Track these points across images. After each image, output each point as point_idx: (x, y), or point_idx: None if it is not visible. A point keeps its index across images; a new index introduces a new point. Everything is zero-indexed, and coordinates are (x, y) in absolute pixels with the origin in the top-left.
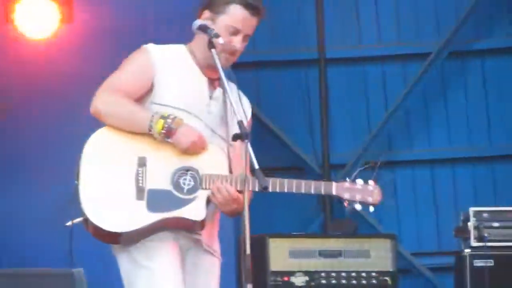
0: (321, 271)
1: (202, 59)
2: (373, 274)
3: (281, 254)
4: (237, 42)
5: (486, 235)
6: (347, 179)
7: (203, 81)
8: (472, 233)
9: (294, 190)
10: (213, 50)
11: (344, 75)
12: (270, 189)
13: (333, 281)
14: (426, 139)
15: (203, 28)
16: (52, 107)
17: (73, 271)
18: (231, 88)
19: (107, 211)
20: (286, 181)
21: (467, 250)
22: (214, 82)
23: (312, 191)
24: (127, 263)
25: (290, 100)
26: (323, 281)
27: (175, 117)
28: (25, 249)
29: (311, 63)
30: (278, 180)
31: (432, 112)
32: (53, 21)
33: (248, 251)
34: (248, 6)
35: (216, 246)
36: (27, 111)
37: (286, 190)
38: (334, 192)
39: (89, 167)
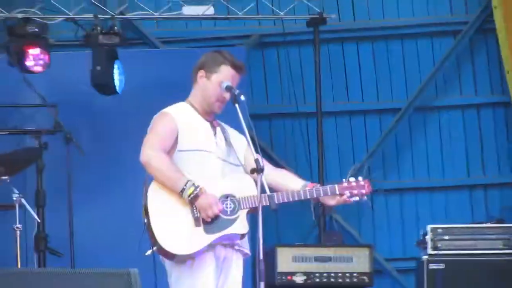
0: (316, 272)
1: (201, 109)
2: (355, 274)
3: (286, 259)
4: (226, 96)
5: (439, 245)
6: (343, 179)
7: (207, 125)
8: (429, 244)
9: (301, 198)
10: (236, 105)
11: (335, 125)
12: (285, 200)
13: (325, 280)
14: (396, 173)
15: (229, 89)
16: (117, 145)
17: (129, 270)
18: (226, 127)
19: (174, 239)
20: (297, 192)
21: (425, 257)
22: (212, 123)
23: (322, 194)
24: (175, 276)
25: (295, 142)
26: (317, 280)
27: (201, 188)
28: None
29: (310, 115)
30: (290, 192)
31: (401, 153)
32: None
33: (261, 257)
34: (235, 66)
35: (246, 245)
36: (98, 146)
37: (297, 199)
38: (338, 192)
39: (154, 206)
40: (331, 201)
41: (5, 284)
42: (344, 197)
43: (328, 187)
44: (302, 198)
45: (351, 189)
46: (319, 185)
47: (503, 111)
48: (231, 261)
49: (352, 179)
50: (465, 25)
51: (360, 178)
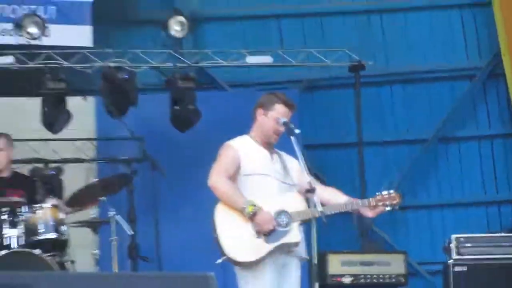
0: (361, 274)
1: (260, 140)
2: (393, 276)
3: (335, 263)
4: (281, 129)
5: (462, 251)
6: (377, 193)
7: (265, 153)
8: (453, 250)
9: (345, 209)
10: (292, 137)
11: (372, 153)
12: (333, 212)
13: (368, 281)
14: (425, 192)
15: (286, 124)
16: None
17: (207, 274)
18: (283, 154)
19: (239, 249)
20: (342, 204)
21: (450, 261)
22: (270, 150)
23: (361, 205)
24: (243, 281)
25: (341, 168)
26: (362, 281)
27: (259, 207)
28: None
29: (352, 144)
30: (337, 205)
31: (428, 176)
32: None
33: (315, 261)
34: (287, 104)
35: (302, 251)
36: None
37: (343, 210)
38: (374, 203)
39: (220, 223)
40: (369, 213)
41: (105, 285)
42: (379, 207)
43: (366, 200)
44: (346, 209)
45: (384, 200)
46: (359, 200)
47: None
48: (290, 266)
49: (384, 192)
50: (479, 70)
51: (391, 191)
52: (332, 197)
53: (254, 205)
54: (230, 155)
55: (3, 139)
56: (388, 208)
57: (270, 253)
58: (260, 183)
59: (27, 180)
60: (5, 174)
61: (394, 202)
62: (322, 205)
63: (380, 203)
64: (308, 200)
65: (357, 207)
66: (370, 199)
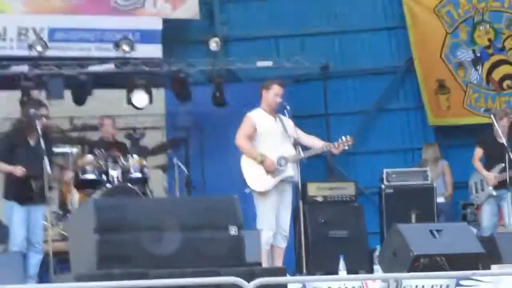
0: (328, 195)
1: (267, 109)
2: (348, 196)
3: (312, 188)
4: (279, 98)
5: (390, 180)
6: (339, 139)
7: (271, 118)
8: (385, 179)
9: (322, 150)
10: (285, 110)
11: (335, 121)
12: (313, 154)
13: (333, 199)
14: (369, 142)
15: (281, 102)
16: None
17: (232, 196)
18: (282, 117)
19: (256, 182)
20: (318, 147)
21: (383, 186)
22: (273, 115)
23: (331, 147)
24: (257, 202)
25: (315, 127)
26: (329, 199)
27: (265, 156)
28: None
29: (322, 115)
30: (314, 148)
31: (370, 133)
32: None
33: (299, 188)
34: (280, 84)
35: (296, 178)
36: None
37: (319, 152)
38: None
39: (244, 167)
40: (336, 151)
41: (171, 203)
42: (341, 147)
43: (333, 143)
44: (322, 150)
45: (343, 142)
46: (329, 143)
47: (420, 112)
48: (286, 191)
49: (343, 137)
50: (400, 68)
51: (348, 136)
52: (313, 142)
53: (262, 155)
54: (248, 123)
55: (110, 121)
56: (346, 147)
57: (275, 184)
58: (269, 137)
59: (125, 145)
60: (110, 139)
61: (350, 143)
62: (307, 148)
63: (342, 145)
64: (296, 148)
65: (329, 148)
66: (335, 142)
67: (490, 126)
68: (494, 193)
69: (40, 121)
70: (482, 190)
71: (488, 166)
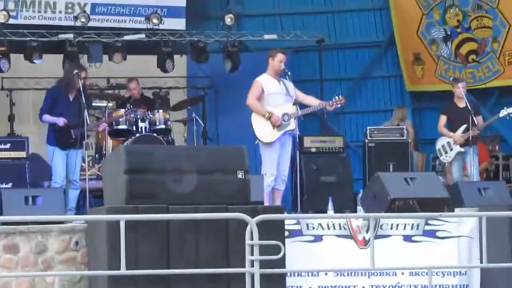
0: (321, 147)
1: (272, 74)
2: (337, 148)
3: (308, 141)
4: (283, 64)
5: (372, 135)
6: (333, 98)
7: (275, 81)
8: (368, 134)
9: (318, 108)
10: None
11: (329, 86)
12: (309, 111)
13: (324, 150)
14: (355, 103)
15: (284, 69)
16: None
17: (242, 146)
18: (285, 80)
19: (263, 133)
20: (315, 105)
21: (366, 140)
22: (278, 79)
23: (325, 104)
24: (263, 151)
25: (311, 90)
26: (321, 150)
27: (271, 112)
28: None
29: (317, 80)
30: (312, 106)
31: (357, 96)
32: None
33: (297, 139)
34: (282, 52)
35: (296, 131)
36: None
37: (304, 113)
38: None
39: (254, 122)
40: (330, 108)
41: (189, 150)
42: (335, 105)
43: (328, 102)
44: (318, 108)
45: (336, 101)
46: (324, 102)
47: (399, 80)
48: (287, 142)
49: (336, 97)
50: (383, 42)
51: (340, 96)
52: (310, 101)
53: (269, 112)
54: (256, 86)
55: (135, 82)
56: (338, 105)
57: (279, 137)
58: (274, 98)
59: (150, 99)
60: (138, 97)
61: (342, 101)
62: (305, 105)
63: (335, 102)
64: (296, 106)
65: (324, 106)
66: (330, 101)
67: (453, 94)
68: (462, 150)
69: (80, 80)
70: (451, 150)
71: (453, 129)
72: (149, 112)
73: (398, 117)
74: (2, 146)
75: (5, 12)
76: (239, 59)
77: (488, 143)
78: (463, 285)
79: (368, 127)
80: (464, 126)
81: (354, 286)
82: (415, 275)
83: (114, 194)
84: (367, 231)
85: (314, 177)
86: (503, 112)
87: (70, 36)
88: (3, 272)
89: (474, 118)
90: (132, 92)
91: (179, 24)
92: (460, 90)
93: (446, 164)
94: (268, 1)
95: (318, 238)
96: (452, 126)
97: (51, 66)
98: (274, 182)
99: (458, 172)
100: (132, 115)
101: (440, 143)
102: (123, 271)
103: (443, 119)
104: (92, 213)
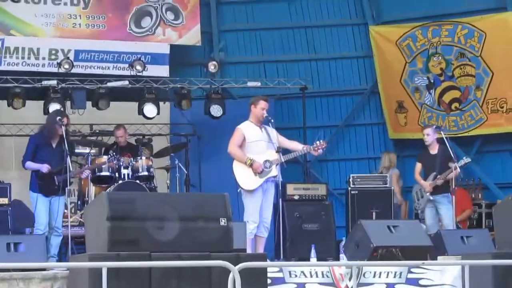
0: (304, 194)
1: (255, 122)
2: (320, 195)
3: (291, 188)
4: (265, 112)
5: (355, 183)
6: (315, 142)
7: (258, 128)
8: (351, 182)
9: (302, 152)
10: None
11: (311, 133)
12: (292, 157)
13: (307, 198)
14: (338, 151)
15: (267, 116)
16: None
17: (224, 194)
18: (267, 127)
19: (245, 181)
20: (299, 150)
21: (349, 188)
22: (260, 126)
23: (309, 149)
24: (245, 199)
25: (296, 136)
26: (304, 197)
27: (253, 159)
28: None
29: (300, 128)
30: (295, 151)
31: (339, 144)
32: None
33: (280, 187)
34: (265, 100)
35: (278, 178)
36: (213, 141)
37: (288, 158)
38: (315, 147)
39: (236, 170)
40: (315, 153)
41: (171, 198)
42: (318, 150)
43: (311, 146)
44: (302, 152)
45: (318, 145)
46: (308, 146)
47: (382, 127)
48: (270, 189)
49: (317, 142)
50: (366, 90)
51: (321, 140)
52: (295, 146)
53: (251, 159)
54: (238, 133)
55: (123, 129)
56: (322, 149)
57: (261, 184)
58: (256, 145)
59: (134, 146)
60: (123, 145)
61: (324, 146)
62: (289, 150)
63: (317, 147)
64: (278, 153)
65: (308, 150)
66: (312, 146)
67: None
68: (431, 198)
69: (62, 127)
70: (422, 197)
71: (426, 176)
72: (132, 159)
73: (385, 163)
74: None
75: None
76: (222, 106)
77: (471, 191)
78: None
79: (351, 175)
80: (433, 174)
81: None
82: None
83: (96, 241)
84: (350, 279)
85: (297, 224)
86: (461, 162)
87: (53, 82)
88: None
89: (449, 163)
90: (118, 140)
91: (162, 71)
92: (424, 137)
93: (419, 211)
94: (251, 48)
95: (301, 286)
96: (426, 173)
97: (34, 112)
98: (256, 229)
99: (431, 220)
100: (114, 162)
101: (414, 190)
102: None
103: (418, 166)
104: (74, 260)
